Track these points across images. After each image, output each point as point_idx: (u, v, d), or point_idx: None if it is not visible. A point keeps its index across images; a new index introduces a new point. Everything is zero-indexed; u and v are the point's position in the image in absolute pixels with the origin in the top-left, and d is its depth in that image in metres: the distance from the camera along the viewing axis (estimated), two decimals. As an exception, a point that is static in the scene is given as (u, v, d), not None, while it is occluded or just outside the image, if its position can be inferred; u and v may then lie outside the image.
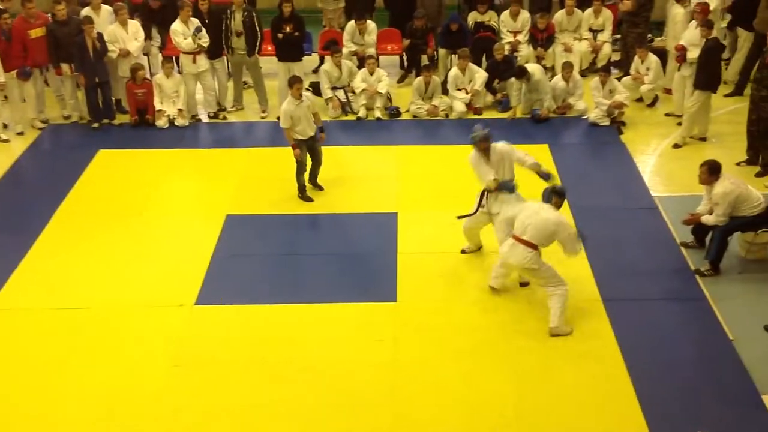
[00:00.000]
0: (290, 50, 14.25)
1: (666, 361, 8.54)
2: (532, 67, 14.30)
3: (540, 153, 12.78)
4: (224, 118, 14.66)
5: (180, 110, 14.20)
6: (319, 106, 12.93)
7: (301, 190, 11.77)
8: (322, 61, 15.68)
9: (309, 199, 11.76)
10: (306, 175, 11.80)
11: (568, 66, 14.25)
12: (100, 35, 13.68)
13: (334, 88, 14.48)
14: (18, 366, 8.72)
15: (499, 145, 9.78)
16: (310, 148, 11.67)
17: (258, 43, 14.24)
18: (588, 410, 7.94)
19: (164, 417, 8.00)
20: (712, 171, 9.75)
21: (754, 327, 8.94)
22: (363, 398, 8.16)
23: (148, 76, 14.56)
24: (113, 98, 14.48)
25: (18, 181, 12.71)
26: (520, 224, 9.02)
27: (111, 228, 11.23)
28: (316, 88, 14.47)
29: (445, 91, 14.61)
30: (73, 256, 10.61)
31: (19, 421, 7.98)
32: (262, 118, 14.56)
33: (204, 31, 13.94)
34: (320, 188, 11.99)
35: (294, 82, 11.36)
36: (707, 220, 9.82)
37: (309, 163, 11.78)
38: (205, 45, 14.02)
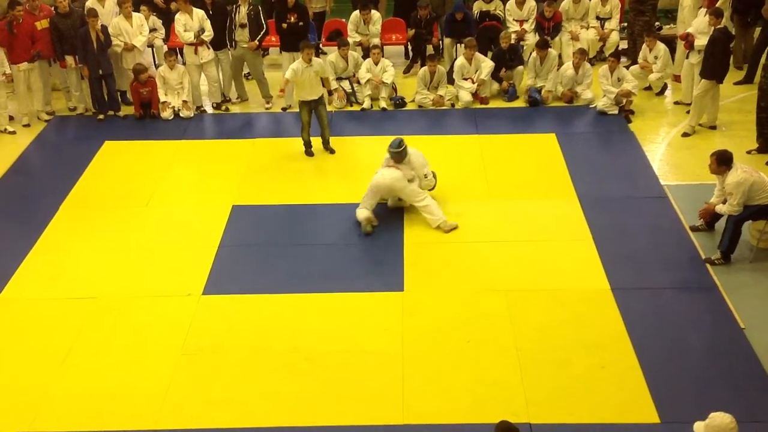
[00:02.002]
0: (295, 40, 14.13)
1: (676, 349, 8.49)
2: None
3: (547, 142, 12.80)
4: (227, 109, 14.60)
5: (184, 102, 14.15)
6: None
7: (306, 145, 12.67)
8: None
9: (311, 154, 12.64)
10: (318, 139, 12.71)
11: (581, 53, 14.07)
12: (104, 27, 13.63)
13: (339, 79, 14.43)
14: (26, 356, 8.70)
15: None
16: (315, 111, 12.46)
17: (262, 35, 14.17)
18: (598, 399, 7.90)
19: (172, 406, 7.99)
20: (721, 161, 9.67)
21: (765, 315, 8.90)
22: (370, 388, 8.13)
23: (152, 69, 14.51)
24: (118, 90, 14.43)
25: (25, 172, 12.66)
26: None
27: (118, 218, 11.22)
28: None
29: (450, 81, 14.54)
30: (80, 247, 10.60)
31: (28, 410, 7.97)
32: (267, 109, 14.51)
33: (208, 23, 13.88)
34: (332, 151, 12.72)
35: (305, 47, 12.09)
36: (721, 209, 9.74)
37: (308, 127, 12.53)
38: (208, 39, 13.96)
